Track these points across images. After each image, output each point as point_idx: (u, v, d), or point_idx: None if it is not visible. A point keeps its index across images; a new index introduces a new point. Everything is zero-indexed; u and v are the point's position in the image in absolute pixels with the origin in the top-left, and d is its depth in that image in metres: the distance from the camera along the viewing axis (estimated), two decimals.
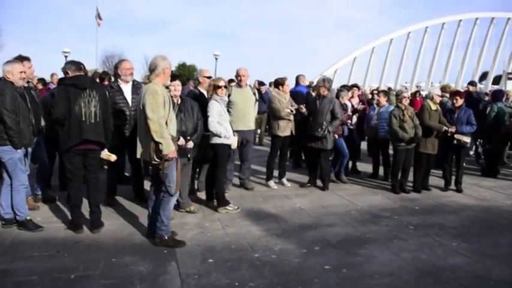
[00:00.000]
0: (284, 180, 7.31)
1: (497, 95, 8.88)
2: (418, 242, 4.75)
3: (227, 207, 5.71)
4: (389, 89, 16.54)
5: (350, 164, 8.35)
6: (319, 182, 7.21)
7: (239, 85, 6.74)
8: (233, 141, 5.86)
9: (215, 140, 5.70)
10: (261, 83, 12.24)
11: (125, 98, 5.71)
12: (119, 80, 5.81)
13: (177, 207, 5.47)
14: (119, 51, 47.31)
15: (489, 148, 8.74)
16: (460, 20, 50.65)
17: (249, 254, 4.29)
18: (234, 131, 5.89)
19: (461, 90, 9.15)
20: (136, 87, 5.81)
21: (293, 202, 6.29)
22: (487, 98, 10.29)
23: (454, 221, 5.59)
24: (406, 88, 12.70)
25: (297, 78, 9.23)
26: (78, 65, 4.95)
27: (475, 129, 7.23)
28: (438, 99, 7.16)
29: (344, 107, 7.56)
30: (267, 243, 4.58)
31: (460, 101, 7.17)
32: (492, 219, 5.78)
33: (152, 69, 4.37)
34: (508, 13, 51.68)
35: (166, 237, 4.44)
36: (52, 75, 10.67)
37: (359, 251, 4.45)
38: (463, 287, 3.69)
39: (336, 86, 11.77)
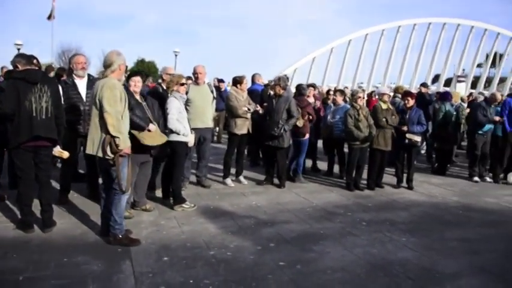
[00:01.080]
0: (241, 178, 7.35)
1: (444, 96, 9.25)
2: (370, 238, 4.89)
3: (183, 205, 5.68)
4: (346, 88, 16.88)
5: (310, 162, 8.55)
6: (276, 180, 7.28)
7: (196, 83, 6.72)
8: (191, 139, 5.84)
9: (173, 138, 5.64)
10: (220, 81, 12.25)
11: (79, 93, 5.55)
12: (73, 74, 5.66)
13: (133, 205, 5.41)
14: (76, 45, 45.78)
15: (438, 147, 9.09)
16: (415, 24, 52.21)
17: (204, 251, 4.29)
18: (191, 129, 5.87)
19: (413, 91, 9.44)
20: (91, 82, 5.67)
21: (249, 200, 6.33)
22: None
23: (405, 217, 5.80)
24: (362, 89, 12.97)
25: (253, 77, 9.29)
26: (29, 59, 4.76)
27: (425, 128, 7.54)
28: (387, 98, 7.41)
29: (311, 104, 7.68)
30: (222, 241, 4.59)
31: (411, 102, 7.46)
32: (440, 214, 6.04)
33: (108, 64, 4.29)
34: (458, 19, 53.81)
35: (120, 236, 4.36)
36: (2, 68, 10.24)
37: (313, 247, 4.53)
38: (411, 280, 3.84)
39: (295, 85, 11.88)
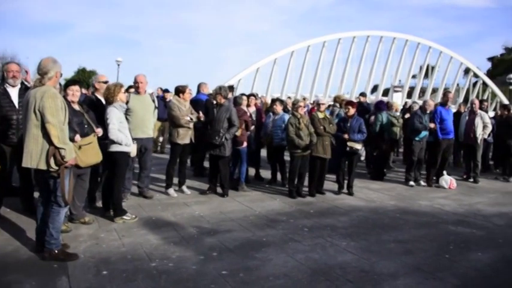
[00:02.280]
0: (184, 187, 7.28)
1: (379, 106, 9.66)
2: (311, 243, 4.98)
3: (124, 217, 5.54)
4: (289, 98, 17.17)
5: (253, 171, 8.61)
6: (219, 189, 7.27)
7: (137, 92, 6.62)
8: (132, 149, 5.72)
9: (113, 148, 5.50)
10: (165, 91, 12.13)
11: (11, 102, 5.28)
12: (5, 83, 5.39)
13: (70, 218, 5.22)
14: (11, 53, 43.46)
15: (376, 154, 9.45)
16: (354, 37, 53.98)
17: (145, 263, 4.20)
18: (133, 139, 5.75)
19: (354, 101, 9.76)
20: (24, 90, 5.43)
21: (192, 209, 6.28)
22: None
23: (345, 222, 5.96)
24: (304, 98, 13.27)
25: (199, 86, 9.25)
26: None
27: (365, 136, 7.81)
28: (323, 108, 7.65)
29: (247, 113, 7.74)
30: (164, 252, 4.52)
31: (352, 110, 7.73)
32: (378, 218, 6.26)
33: (44, 72, 4.10)
34: (394, 33, 56.30)
35: (56, 251, 4.18)
36: None
37: (256, 254, 4.55)
38: (350, 282, 3.94)
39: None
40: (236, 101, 7.76)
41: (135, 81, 6.63)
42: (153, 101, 6.81)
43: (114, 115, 5.47)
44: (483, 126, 9.53)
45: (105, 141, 5.44)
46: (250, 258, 4.44)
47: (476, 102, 10.08)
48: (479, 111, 9.68)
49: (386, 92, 55.93)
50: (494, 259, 4.75)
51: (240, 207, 6.54)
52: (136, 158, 6.55)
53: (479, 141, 9.52)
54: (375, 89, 60.53)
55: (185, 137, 7.00)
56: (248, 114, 7.92)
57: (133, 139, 5.75)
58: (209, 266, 4.20)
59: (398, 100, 36.89)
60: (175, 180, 7.29)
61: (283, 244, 4.92)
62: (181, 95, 7.17)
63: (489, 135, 10.40)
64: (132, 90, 6.88)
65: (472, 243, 5.24)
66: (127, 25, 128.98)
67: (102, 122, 5.45)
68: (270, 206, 6.67)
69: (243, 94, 8.85)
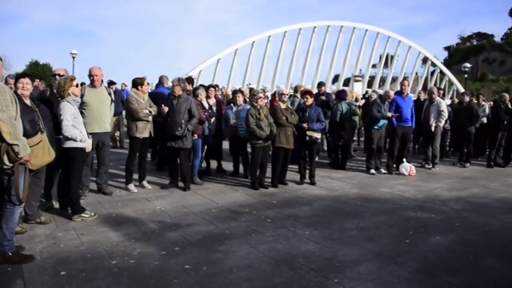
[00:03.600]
0: (145, 182, 7.15)
1: (340, 95, 9.77)
2: (274, 234, 4.98)
3: (82, 215, 5.38)
4: (251, 88, 17.15)
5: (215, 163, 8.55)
6: (181, 183, 7.18)
7: (93, 85, 6.41)
8: (88, 145, 5.53)
9: (68, 144, 5.30)
10: (111, 83, 11.76)
11: None
12: None
13: (25, 218, 5.02)
14: None
15: (337, 143, 9.55)
16: (315, 27, 54.44)
17: (105, 261, 4.09)
18: (88, 134, 5.57)
19: (315, 91, 9.81)
20: None
21: (154, 204, 6.17)
22: None
23: (308, 212, 6.00)
24: (263, 89, 13.28)
25: (160, 79, 9.09)
26: None
27: (324, 125, 7.87)
28: (286, 98, 7.66)
29: (203, 106, 7.64)
30: (125, 249, 4.41)
31: (310, 100, 7.77)
32: (340, 207, 6.34)
33: None
34: (354, 23, 57.14)
35: (9, 253, 4.00)
36: None
37: (219, 247, 4.52)
38: (314, 271, 3.96)
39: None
40: (194, 93, 7.65)
41: (90, 74, 6.41)
42: (110, 94, 6.61)
43: (68, 111, 5.25)
44: (438, 114, 9.78)
45: (59, 137, 5.25)
46: (213, 252, 4.40)
47: (434, 90, 10.35)
48: (437, 98, 9.93)
49: (347, 82, 56.81)
50: (451, 242, 4.90)
51: (202, 201, 6.47)
52: (94, 154, 6.37)
53: (432, 128, 9.78)
54: (336, 78, 61.39)
55: (144, 130, 6.85)
56: (207, 106, 7.82)
57: (89, 134, 5.57)
58: (171, 261, 4.13)
59: (359, 89, 37.53)
60: (136, 175, 7.15)
61: (246, 236, 4.91)
62: (139, 87, 7.01)
63: (446, 122, 10.72)
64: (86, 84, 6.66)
65: (430, 228, 5.38)
66: (83, 16, 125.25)
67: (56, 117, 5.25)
68: (232, 198, 6.63)
69: (201, 85, 8.74)
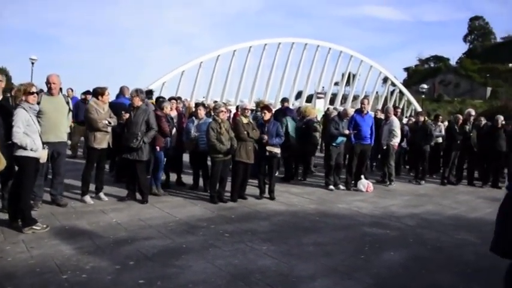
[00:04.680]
0: (101, 194, 6.98)
1: (285, 111, 9.95)
2: (232, 249, 4.96)
3: (34, 227, 5.17)
4: (215, 102, 17.14)
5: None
6: (139, 195, 7.05)
7: (50, 93, 6.24)
8: (42, 155, 5.36)
9: (20, 153, 5.12)
10: (86, 92, 11.52)
11: None
12: None
13: None
14: None
15: (288, 156, 9.64)
16: (279, 43, 55.10)
17: (56, 275, 3.95)
18: (44, 143, 5.40)
19: (269, 105, 9.84)
20: None
21: (110, 217, 6.02)
22: None
23: (266, 226, 6.00)
24: (226, 103, 13.30)
25: (121, 89, 8.93)
26: None
27: (283, 140, 7.94)
28: (248, 113, 7.70)
29: (168, 119, 7.57)
30: (77, 263, 4.27)
31: (268, 115, 7.87)
32: (298, 222, 6.38)
33: None
34: (318, 41, 58.21)
35: None
36: None
37: (175, 262, 4.45)
38: (269, 286, 3.96)
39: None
40: (159, 106, 7.58)
41: (48, 82, 6.24)
42: (67, 103, 6.46)
43: (20, 117, 5.08)
44: (390, 133, 10.06)
45: (9, 143, 5.07)
46: (169, 266, 4.32)
47: (390, 109, 10.68)
48: (391, 117, 10.23)
49: (310, 98, 57.58)
50: (405, 257, 5.02)
51: (159, 214, 6.37)
52: (49, 164, 6.18)
53: (384, 146, 10.04)
54: (299, 95, 62.15)
55: (102, 141, 6.70)
56: (169, 124, 7.72)
57: (44, 143, 5.40)
58: (125, 275, 4.03)
59: (321, 106, 38.08)
60: (92, 186, 6.97)
61: (203, 250, 4.85)
62: (100, 97, 6.86)
63: (403, 140, 11.05)
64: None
65: (385, 244, 5.49)
66: (46, 20, 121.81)
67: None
68: (190, 212, 6.56)
69: (160, 97, 8.66)
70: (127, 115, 6.85)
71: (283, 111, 10.00)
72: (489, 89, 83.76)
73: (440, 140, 12.01)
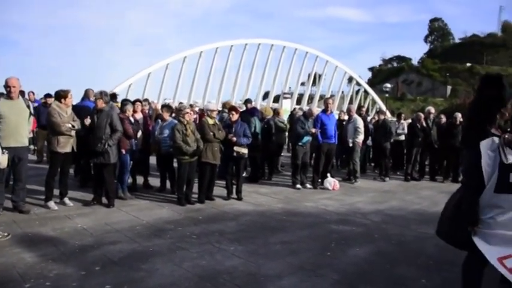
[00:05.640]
0: (66, 199, 6.84)
1: (252, 112, 10.03)
2: (199, 250, 4.95)
3: None
4: (181, 103, 17.00)
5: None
6: (105, 199, 6.95)
7: (9, 97, 6.08)
8: (1, 160, 5.22)
9: None
10: (47, 96, 11.23)
11: None
12: None
13: None
14: None
15: (255, 156, 9.71)
16: (246, 44, 55.22)
17: (18, 285, 3.85)
18: (3, 148, 5.26)
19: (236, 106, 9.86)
20: None
21: (75, 222, 5.91)
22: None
23: (233, 227, 6.03)
24: (191, 105, 13.22)
25: (86, 92, 8.78)
26: None
27: (250, 141, 7.99)
28: (215, 114, 7.71)
29: (131, 121, 7.49)
30: (41, 270, 4.18)
31: (235, 116, 7.89)
32: (265, 221, 6.42)
33: None
34: (284, 42, 58.64)
35: None
36: None
37: (142, 265, 4.41)
38: (237, 286, 3.99)
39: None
40: (121, 109, 7.50)
41: (7, 85, 6.07)
42: (28, 106, 6.31)
43: None
44: (354, 130, 10.27)
45: None
46: (136, 270, 4.29)
47: (352, 108, 10.93)
48: (354, 116, 10.46)
49: (277, 99, 57.94)
50: (370, 253, 5.13)
51: (126, 218, 6.30)
52: (7, 169, 6.02)
53: (350, 144, 10.25)
54: (266, 95, 62.42)
55: (66, 145, 6.58)
56: (132, 126, 7.65)
57: (4, 148, 5.26)
58: (91, 281, 3.98)
59: (288, 106, 38.40)
60: (57, 192, 6.83)
61: (170, 253, 4.83)
62: (62, 100, 6.73)
63: (368, 138, 11.29)
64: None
65: (351, 240, 5.59)
66: (4, 22, 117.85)
67: None
68: (157, 215, 6.51)
69: (126, 100, 8.57)
70: (88, 121, 6.74)
71: (250, 112, 10.05)
72: (449, 88, 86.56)
73: (402, 137, 12.33)
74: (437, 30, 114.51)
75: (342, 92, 67.99)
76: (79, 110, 7.34)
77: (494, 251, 3.00)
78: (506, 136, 3.00)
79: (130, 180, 8.19)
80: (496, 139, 3.01)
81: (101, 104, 6.72)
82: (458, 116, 11.09)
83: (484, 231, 3.05)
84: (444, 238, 3.45)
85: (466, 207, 3.12)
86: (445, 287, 4.17)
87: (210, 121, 7.57)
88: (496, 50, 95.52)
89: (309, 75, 64.39)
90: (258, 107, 12.77)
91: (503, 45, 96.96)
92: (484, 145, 3.00)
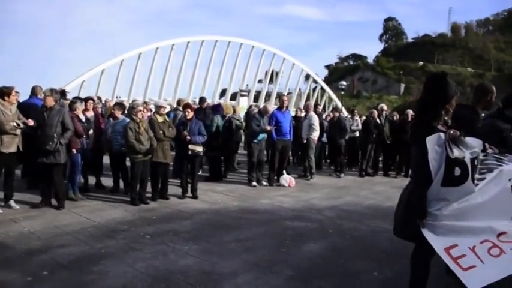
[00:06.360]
0: (11, 202, 6.52)
1: (216, 109, 9.99)
2: (153, 250, 4.86)
3: None
4: (134, 101, 16.67)
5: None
6: (55, 201, 6.70)
7: None
8: None
9: None
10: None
11: None
12: None
13: None
14: None
15: (211, 155, 9.68)
16: (203, 41, 54.87)
17: None
18: None
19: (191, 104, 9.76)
20: None
21: (21, 226, 5.65)
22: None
23: (188, 226, 5.95)
24: (145, 102, 13.01)
25: (33, 89, 8.41)
26: None
27: (206, 139, 7.93)
28: (163, 111, 7.60)
29: (80, 120, 7.26)
30: None
31: (190, 114, 7.81)
32: (221, 220, 6.39)
33: None
34: (241, 39, 58.67)
35: None
36: None
37: (93, 268, 4.28)
38: (191, 285, 3.94)
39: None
40: (70, 107, 7.24)
41: None
42: None
43: None
44: (309, 127, 10.38)
45: None
46: (87, 273, 4.16)
47: (310, 105, 11.04)
48: (310, 113, 10.57)
49: (234, 96, 57.98)
50: (324, 248, 5.20)
51: (77, 219, 6.09)
52: None
53: (304, 140, 10.36)
54: (223, 93, 62.30)
55: (11, 145, 6.28)
56: (84, 119, 7.44)
57: None
58: (38, 287, 3.82)
59: (245, 104, 38.45)
60: (1, 194, 6.55)
61: (123, 254, 4.71)
62: (6, 97, 6.42)
63: (323, 135, 11.44)
64: None
65: (306, 236, 5.65)
66: None
67: None
68: (110, 216, 6.34)
69: (76, 97, 8.30)
70: (31, 122, 6.47)
71: (214, 109, 9.97)
72: (403, 86, 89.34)
73: (357, 134, 12.59)
74: (391, 29, 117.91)
75: (299, 89, 68.79)
76: (26, 108, 7.03)
77: (441, 241, 3.10)
78: (451, 132, 3.11)
79: (81, 181, 7.94)
80: (442, 135, 3.11)
81: (50, 101, 6.47)
82: (410, 112, 11.43)
83: (432, 223, 3.16)
84: (396, 232, 3.54)
85: (415, 201, 3.22)
86: (396, 278, 4.28)
87: (160, 119, 7.45)
88: (447, 49, 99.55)
89: (266, 73, 64.82)
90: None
91: (452, 45, 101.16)
92: (431, 140, 3.09)
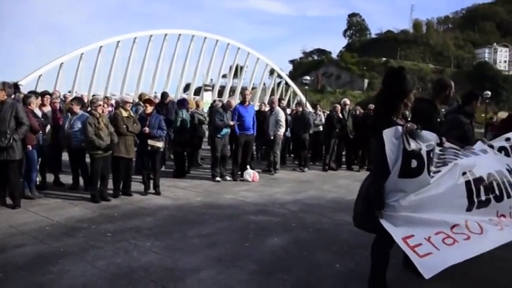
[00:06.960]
0: None
1: (181, 104, 9.90)
2: (114, 248, 4.78)
3: None
4: (94, 96, 16.30)
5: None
6: (10, 200, 6.47)
7: None
8: None
9: None
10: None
11: None
12: None
13: None
14: None
15: (177, 151, 9.59)
16: (166, 35, 54.20)
17: None
18: None
19: (152, 99, 9.61)
20: None
21: None
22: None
23: (150, 222, 5.88)
24: (106, 97, 12.71)
25: None
26: None
27: (166, 133, 7.84)
28: (128, 106, 7.46)
29: (36, 115, 7.02)
30: None
31: (149, 108, 7.72)
32: (184, 215, 6.34)
33: None
34: (205, 33, 58.25)
35: None
36: None
37: (51, 268, 4.16)
38: (153, 282, 3.90)
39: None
40: (24, 102, 6.99)
41: None
42: None
43: None
44: (276, 123, 10.43)
45: None
46: (44, 273, 4.03)
47: (275, 100, 11.08)
48: (276, 108, 10.60)
49: (198, 91, 57.57)
50: (287, 242, 5.24)
51: (34, 218, 5.89)
52: None
53: (271, 136, 10.41)
54: (187, 87, 61.77)
55: None
56: (40, 114, 7.20)
57: None
58: None
59: (209, 99, 38.24)
60: None
61: (82, 253, 4.61)
62: None
63: (287, 130, 11.51)
64: None
65: (269, 230, 5.67)
66: None
67: None
68: (69, 214, 6.17)
69: (31, 92, 8.03)
70: None
71: (179, 104, 9.86)
72: (366, 81, 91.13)
73: (321, 128, 12.72)
74: (355, 25, 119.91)
75: (264, 84, 69.03)
76: None
77: (399, 231, 3.20)
78: (409, 125, 3.19)
79: (39, 178, 7.70)
80: (400, 128, 3.19)
81: (2, 95, 6.21)
82: (372, 107, 11.63)
83: (390, 214, 3.25)
84: (356, 223, 3.62)
85: (373, 193, 3.30)
86: (357, 269, 4.37)
87: (124, 113, 7.31)
88: (409, 45, 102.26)
89: (231, 68, 64.68)
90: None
91: (414, 42, 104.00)
92: (388, 133, 3.16)
